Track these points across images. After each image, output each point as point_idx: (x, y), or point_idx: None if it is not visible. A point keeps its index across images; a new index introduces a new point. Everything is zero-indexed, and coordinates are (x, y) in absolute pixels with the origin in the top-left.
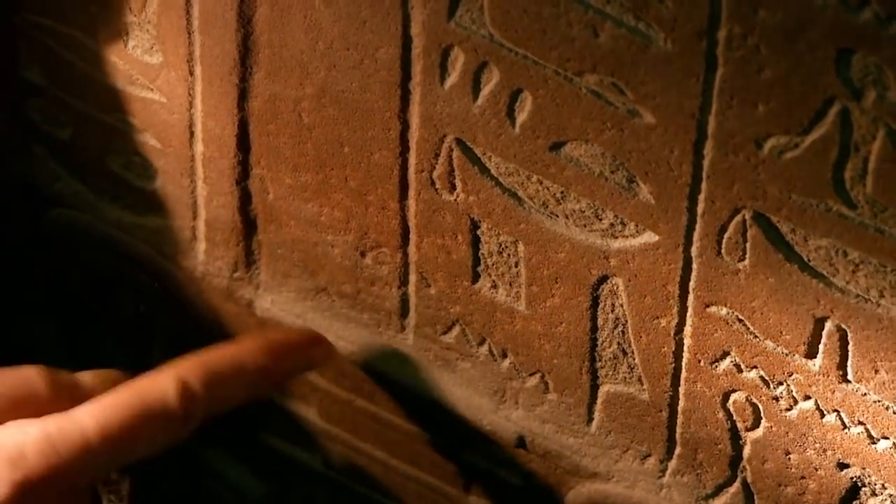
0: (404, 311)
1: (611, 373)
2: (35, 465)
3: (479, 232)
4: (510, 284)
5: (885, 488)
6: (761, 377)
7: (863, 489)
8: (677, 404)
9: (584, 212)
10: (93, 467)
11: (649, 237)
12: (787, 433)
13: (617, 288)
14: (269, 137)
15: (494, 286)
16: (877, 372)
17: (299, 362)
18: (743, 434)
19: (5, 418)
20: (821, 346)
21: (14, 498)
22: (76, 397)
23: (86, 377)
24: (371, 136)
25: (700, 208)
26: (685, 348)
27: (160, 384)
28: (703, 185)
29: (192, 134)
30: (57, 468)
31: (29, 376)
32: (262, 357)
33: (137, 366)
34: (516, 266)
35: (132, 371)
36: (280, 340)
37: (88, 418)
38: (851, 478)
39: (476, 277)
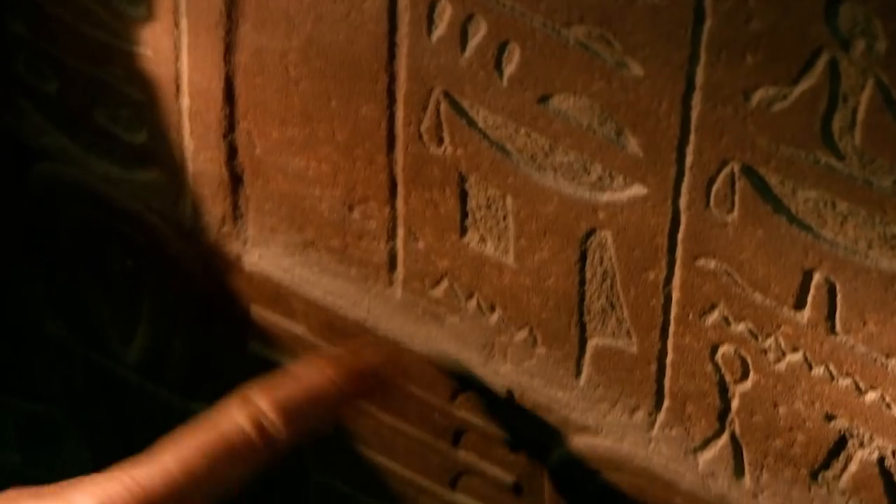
0: (392, 266)
1: (599, 326)
2: (121, 501)
3: (466, 185)
4: (498, 238)
5: (873, 440)
6: (749, 330)
7: (850, 441)
8: (666, 358)
9: (572, 165)
10: (199, 492)
11: (638, 190)
12: (776, 386)
13: (605, 241)
14: (256, 91)
15: (482, 240)
16: (865, 324)
17: (373, 374)
18: (731, 387)
19: None
20: (809, 299)
21: None
22: None
23: None
24: (358, 89)
25: (688, 161)
26: (673, 301)
27: (233, 416)
28: (692, 138)
29: (178, 87)
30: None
31: None
32: (331, 371)
33: (126, 322)
34: (504, 220)
35: (126, 335)
36: (349, 355)
37: (169, 457)
38: (839, 429)
39: (464, 231)
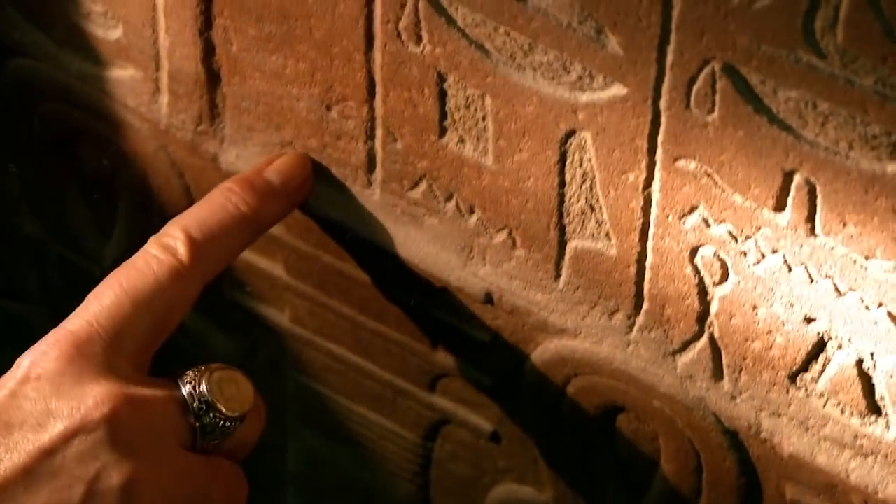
0: (371, 166)
1: (579, 228)
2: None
3: (445, 85)
4: (477, 139)
5: (851, 342)
6: (730, 232)
7: (829, 343)
8: (645, 260)
9: (551, 64)
10: (132, 327)
11: (618, 90)
12: (755, 288)
13: (585, 142)
14: None
15: (461, 141)
16: (845, 225)
17: (282, 187)
18: (711, 289)
19: None
20: (789, 200)
21: (64, 360)
22: None
23: None
24: None
25: (669, 60)
26: (653, 203)
27: (144, 247)
28: (673, 36)
29: None
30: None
31: None
32: (238, 189)
33: (102, 221)
34: (483, 120)
35: (103, 233)
36: (256, 173)
37: (92, 299)
38: (818, 332)
39: (443, 132)
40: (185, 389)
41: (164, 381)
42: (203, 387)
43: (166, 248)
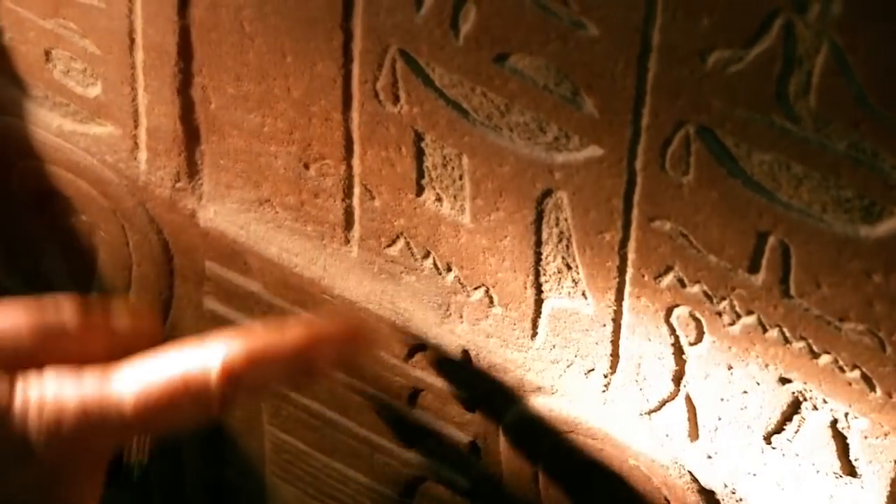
0: (348, 224)
1: (555, 287)
2: (68, 432)
3: (423, 144)
4: (455, 198)
5: (826, 403)
6: (704, 292)
7: (804, 404)
8: (621, 319)
9: (528, 125)
10: (124, 438)
11: (593, 151)
12: (730, 348)
13: (561, 202)
14: (211, 46)
15: (439, 199)
16: (819, 287)
17: (340, 355)
18: (686, 349)
19: (37, 347)
20: (763, 261)
21: (46, 454)
22: (108, 340)
23: (121, 322)
24: (314, 46)
25: (644, 122)
26: (629, 263)
27: (204, 365)
28: (648, 99)
29: (132, 41)
30: (90, 437)
31: (62, 306)
32: (305, 347)
33: (79, 279)
34: (461, 179)
35: (81, 289)
36: (325, 333)
37: (128, 394)
38: (793, 392)
39: (420, 190)
40: None
41: None
42: None
43: (225, 382)
